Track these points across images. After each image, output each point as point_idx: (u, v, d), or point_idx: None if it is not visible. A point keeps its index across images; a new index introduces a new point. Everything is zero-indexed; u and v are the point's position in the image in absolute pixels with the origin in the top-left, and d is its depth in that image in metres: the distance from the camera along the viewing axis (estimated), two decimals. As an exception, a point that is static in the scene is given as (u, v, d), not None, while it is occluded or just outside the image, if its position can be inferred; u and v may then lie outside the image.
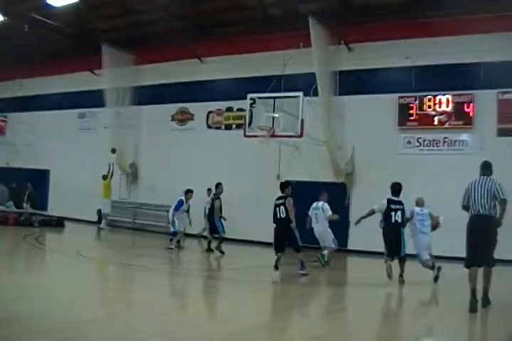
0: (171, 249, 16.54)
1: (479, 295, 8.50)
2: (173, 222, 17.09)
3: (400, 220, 12.24)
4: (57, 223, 21.77)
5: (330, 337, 6.74)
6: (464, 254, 8.91)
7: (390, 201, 12.38)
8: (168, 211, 21.60)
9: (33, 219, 21.34)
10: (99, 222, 23.68)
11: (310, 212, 14.63)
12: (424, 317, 8.45)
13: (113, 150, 22.40)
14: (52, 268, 12.41)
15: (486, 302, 8.54)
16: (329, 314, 8.50)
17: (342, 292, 11.66)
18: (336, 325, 7.83)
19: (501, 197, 8.69)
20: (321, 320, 8.02)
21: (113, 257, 15.20)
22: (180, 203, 17.26)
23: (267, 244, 18.65)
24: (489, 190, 8.79)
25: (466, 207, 9.08)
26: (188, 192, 17.58)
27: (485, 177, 9.17)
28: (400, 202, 12.47)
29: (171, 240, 16.79)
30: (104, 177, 22.10)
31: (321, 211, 14.56)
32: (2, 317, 6.57)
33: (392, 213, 12.30)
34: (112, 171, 22.35)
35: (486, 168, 9.44)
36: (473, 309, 8.29)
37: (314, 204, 14.69)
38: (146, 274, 12.23)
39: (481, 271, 8.60)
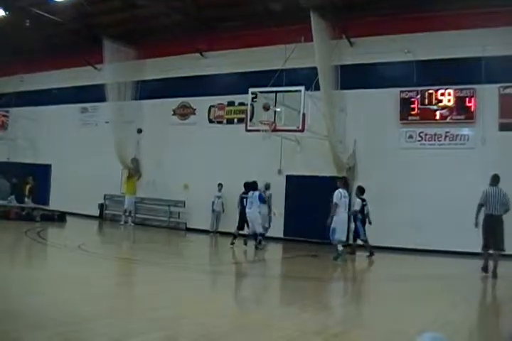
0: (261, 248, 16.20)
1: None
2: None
3: (367, 212, 16.16)
4: (59, 217, 21.79)
5: (332, 331, 6.74)
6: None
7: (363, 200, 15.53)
8: (169, 205, 21.84)
9: (34, 213, 21.35)
10: (100, 216, 23.79)
11: (340, 200, 14.31)
12: (427, 309, 8.46)
13: (139, 131, 22.55)
14: (53, 262, 12.41)
15: (495, 275, 11.62)
16: (331, 308, 8.52)
17: (343, 286, 11.67)
18: (339, 318, 7.84)
19: (508, 207, 11.96)
20: (322, 314, 8.03)
21: (114, 251, 15.22)
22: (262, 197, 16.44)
23: (268, 238, 18.76)
24: (501, 199, 11.94)
25: (481, 205, 12.07)
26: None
27: (496, 187, 12.13)
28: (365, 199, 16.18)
29: (260, 241, 16.19)
30: (130, 175, 22.34)
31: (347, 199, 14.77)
32: (3, 312, 6.58)
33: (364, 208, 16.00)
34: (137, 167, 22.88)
35: (497, 180, 12.26)
36: (484, 270, 11.92)
37: (343, 192, 14.53)
38: (148, 268, 12.25)
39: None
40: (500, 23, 16.22)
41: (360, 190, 16.16)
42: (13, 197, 22.27)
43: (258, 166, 19.82)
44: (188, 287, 10.23)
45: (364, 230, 15.93)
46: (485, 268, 11.99)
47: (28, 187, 23.20)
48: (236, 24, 20.51)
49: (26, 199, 22.89)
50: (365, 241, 15.91)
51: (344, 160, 18.58)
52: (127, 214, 22.25)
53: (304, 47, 18.01)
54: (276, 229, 19.11)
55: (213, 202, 20.22)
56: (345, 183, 15.26)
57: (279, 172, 19.86)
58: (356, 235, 16.17)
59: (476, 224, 12.09)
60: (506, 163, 16.22)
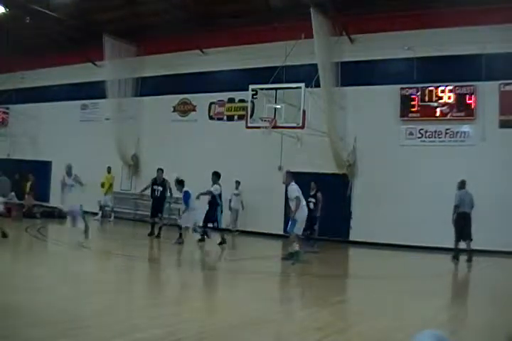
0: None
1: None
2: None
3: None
4: (59, 214, 21.77)
5: (333, 328, 6.76)
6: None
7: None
8: (169, 202, 21.77)
9: (35, 210, 21.35)
10: (102, 214, 23.80)
11: (299, 193, 13.16)
12: (426, 306, 8.48)
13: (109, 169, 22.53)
14: (53, 259, 12.43)
15: (470, 260, 13.96)
16: (331, 305, 8.53)
17: (344, 283, 11.69)
18: (339, 315, 7.86)
19: (473, 205, 14.44)
20: (323, 310, 8.05)
21: (114, 248, 15.23)
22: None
23: (267, 235, 18.84)
24: (470, 199, 14.46)
25: (457, 206, 14.38)
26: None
27: (465, 190, 14.59)
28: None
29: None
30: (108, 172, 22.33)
31: None
32: (3, 308, 6.59)
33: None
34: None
35: (464, 184, 14.64)
36: (455, 257, 14.25)
37: (296, 185, 13.23)
38: (147, 265, 12.27)
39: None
40: (501, 20, 16.21)
41: (218, 176, 16.23)
42: (13, 194, 22.25)
43: (258, 163, 19.85)
44: (186, 284, 10.27)
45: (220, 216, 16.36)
46: (457, 257, 14.29)
47: (28, 184, 23.18)
48: (236, 21, 20.46)
49: (27, 196, 22.87)
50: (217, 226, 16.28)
51: (344, 157, 18.59)
52: (110, 209, 22.50)
53: (304, 43, 17.99)
54: (277, 226, 19.13)
55: (230, 200, 19.70)
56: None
57: (280, 168, 19.84)
58: (208, 220, 16.07)
59: (453, 220, 14.38)
60: (506, 159, 16.25)
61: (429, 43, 17.52)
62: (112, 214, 22.51)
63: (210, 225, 16.01)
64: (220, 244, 15.88)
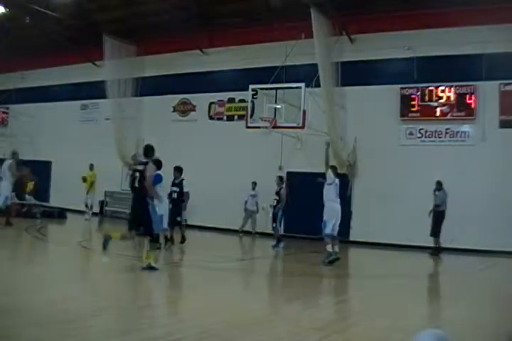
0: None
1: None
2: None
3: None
4: (59, 214, 21.78)
5: (333, 328, 6.76)
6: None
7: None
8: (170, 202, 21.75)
9: (35, 210, 21.34)
10: (101, 213, 23.77)
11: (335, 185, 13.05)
12: (426, 306, 8.47)
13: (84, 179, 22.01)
14: (53, 259, 12.42)
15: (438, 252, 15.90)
16: (332, 305, 8.53)
17: (344, 283, 11.68)
18: (339, 315, 7.86)
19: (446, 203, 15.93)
20: (323, 310, 8.04)
21: (114, 248, 15.19)
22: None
23: (268, 235, 18.80)
24: (446, 199, 15.79)
25: (438, 205, 15.79)
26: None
27: (443, 190, 15.90)
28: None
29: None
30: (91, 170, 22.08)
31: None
32: (3, 308, 6.58)
33: None
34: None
35: (441, 185, 15.92)
36: (433, 253, 15.94)
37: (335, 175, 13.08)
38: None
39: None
40: (501, 20, 16.21)
41: (180, 171, 15.91)
42: (13, 194, 22.23)
43: (258, 163, 19.83)
44: (184, 283, 10.26)
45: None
46: (435, 250, 15.92)
47: (30, 184, 23.13)
48: (236, 21, 20.49)
49: (27, 196, 22.84)
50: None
51: (344, 157, 18.56)
52: (90, 207, 22.24)
53: (305, 43, 17.99)
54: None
55: (246, 201, 19.53)
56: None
57: (280, 168, 19.85)
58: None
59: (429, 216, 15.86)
60: (506, 159, 16.25)
61: (429, 43, 17.54)
62: (90, 212, 22.34)
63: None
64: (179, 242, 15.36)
